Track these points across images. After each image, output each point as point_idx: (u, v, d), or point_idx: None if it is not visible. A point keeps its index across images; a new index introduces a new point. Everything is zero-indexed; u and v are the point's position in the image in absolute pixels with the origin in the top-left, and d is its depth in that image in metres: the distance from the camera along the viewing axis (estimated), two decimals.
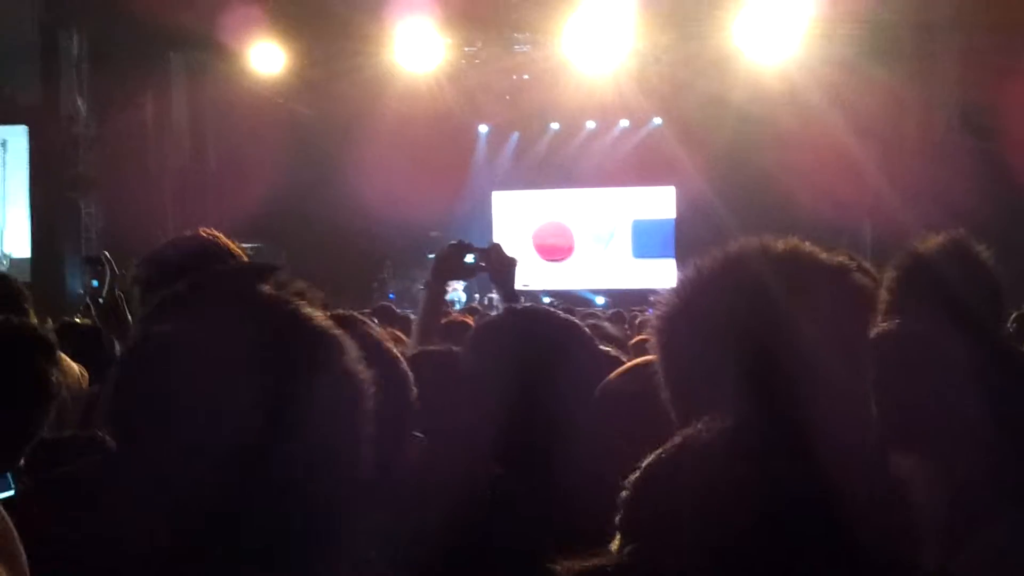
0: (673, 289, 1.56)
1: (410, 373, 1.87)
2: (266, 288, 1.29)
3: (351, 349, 1.29)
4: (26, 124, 15.70)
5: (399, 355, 1.86)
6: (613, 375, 2.23)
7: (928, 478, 1.83)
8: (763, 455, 1.08)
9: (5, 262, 15.35)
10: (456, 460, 2.38)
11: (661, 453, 1.13)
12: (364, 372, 1.29)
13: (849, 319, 1.47)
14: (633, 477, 1.13)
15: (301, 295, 1.30)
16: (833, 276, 1.48)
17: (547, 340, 2.34)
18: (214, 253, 2.64)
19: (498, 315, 2.60)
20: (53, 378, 2.30)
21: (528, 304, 2.65)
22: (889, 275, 2.44)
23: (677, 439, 1.14)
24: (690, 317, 1.50)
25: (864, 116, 14.57)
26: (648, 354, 2.25)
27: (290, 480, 1.19)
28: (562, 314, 2.53)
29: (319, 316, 1.29)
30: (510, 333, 2.41)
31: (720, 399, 1.36)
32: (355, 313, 2.13)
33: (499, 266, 3.82)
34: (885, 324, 2.18)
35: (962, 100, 14.56)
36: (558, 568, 1.10)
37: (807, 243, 1.52)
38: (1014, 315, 6.03)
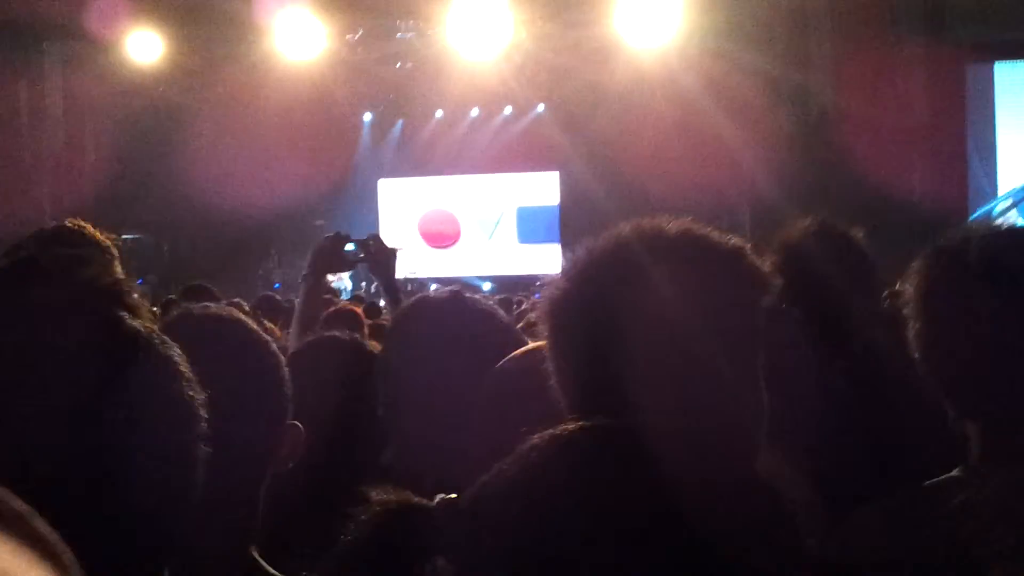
0: (562, 272, 1.53)
1: (282, 362, 1.86)
2: (83, 282, 1.23)
3: (172, 349, 1.24)
4: None
5: (270, 344, 1.84)
6: (508, 358, 2.20)
7: (791, 472, 1.88)
8: (623, 458, 1.04)
9: None
10: (341, 449, 2.39)
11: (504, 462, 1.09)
12: (187, 372, 1.24)
13: (742, 303, 1.45)
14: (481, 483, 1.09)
15: (118, 289, 1.24)
16: (727, 258, 1.46)
17: (452, 322, 2.34)
18: (78, 244, 2.62)
19: (412, 303, 2.59)
20: None
21: (448, 289, 2.66)
22: (768, 259, 2.48)
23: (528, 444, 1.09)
24: (577, 301, 1.47)
25: (741, 104, 14.84)
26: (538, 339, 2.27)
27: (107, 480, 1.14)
28: (480, 301, 2.53)
29: (138, 316, 1.23)
30: (425, 320, 2.41)
31: (603, 387, 1.35)
32: (217, 305, 2.09)
33: (378, 257, 3.83)
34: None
35: (836, 84, 14.93)
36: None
37: (700, 225, 1.50)
38: (887, 292, 6.24)
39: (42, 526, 0.58)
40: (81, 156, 16.33)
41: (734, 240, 1.49)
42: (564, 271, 1.53)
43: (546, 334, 1.52)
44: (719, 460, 1.28)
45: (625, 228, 1.50)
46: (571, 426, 1.08)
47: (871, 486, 1.89)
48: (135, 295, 1.23)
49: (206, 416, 1.23)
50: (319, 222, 17.31)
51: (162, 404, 1.19)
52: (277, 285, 16.11)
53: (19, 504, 0.58)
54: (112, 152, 15.64)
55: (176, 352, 1.23)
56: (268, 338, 1.83)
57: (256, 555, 1.69)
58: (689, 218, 1.51)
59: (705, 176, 14.12)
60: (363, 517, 1.13)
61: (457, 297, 2.46)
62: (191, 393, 1.22)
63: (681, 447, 1.07)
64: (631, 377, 1.35)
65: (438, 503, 1.10)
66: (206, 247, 15.04)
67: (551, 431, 1.08)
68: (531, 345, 2.22)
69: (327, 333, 2.93)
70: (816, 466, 2.03)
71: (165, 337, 1.23)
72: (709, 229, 1.49)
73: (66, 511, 1.07)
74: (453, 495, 1.10)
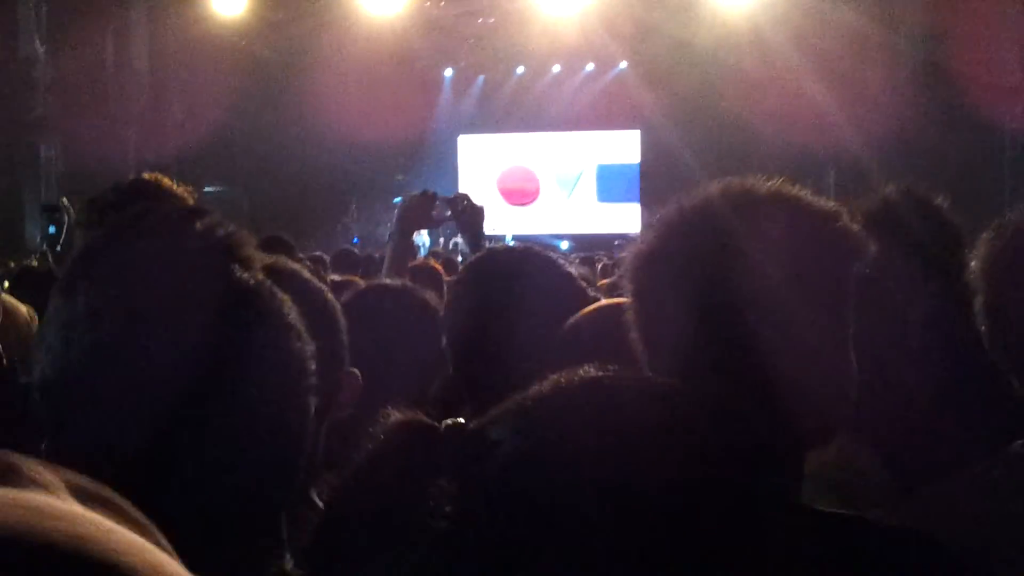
0: (650, 228, 1.51)
1: (338, 310, 1.86)
2: (197, 235, 1.22)
3: (284, 302, 1.25)
4: None
5: (326, 293, 1.84)
6: (581, 313, 2.23)
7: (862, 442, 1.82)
8: (693, 407, 1.02)
9: None
10: (399, 395, 2.39)
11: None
12: (298, 324, 1.25)
13: (833, 267, 1.43)
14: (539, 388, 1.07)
15: (231, 242, 1.24)
16: (820, 221, 1.43)
17: (520, 275, 2.32)
18: (154, 195, 2.62)
19: (477, 257, 2.58)
20: None
21: (509, 245, 2.64)
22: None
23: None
24: (665, 258, 1.45)
25: (829, 60, 14.57)
26: (618, 297, 2.25)
27: (223, 436, 1.15)
28: (540, 251, 2.51)
29: (250, 268, 1.23)
30: (482, 271, 2.40)
31: (685, 343, 1.33)
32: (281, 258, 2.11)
33: (467, 215, 3.82)
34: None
35: (925, 41, 14.57)
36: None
37: (790, 186, 1.47)
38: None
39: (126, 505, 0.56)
40: (165, 109, 16.52)
41: (828, 202, 1.45)
42: (651, 228, 1.51)
43: (630, 289, 1.51)
44: (802, 424, 1.30)
45: (715, 187, 1.48)
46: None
47: (944, 461, 1.83)
48: (248, 247, 1.22)
49: (314, 367, 1.24)
50: (399, 177, 17.39)
51: (273, 356, 1.19)
52: (356, 239, 16.21)
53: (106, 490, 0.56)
54: (195, 105, 15.77)
55: (287, 304, 1.23)
56: (323, 287, 1.84)
57: (315, 497, 1.71)
58: (780, 179, 1.49)
59: (790, 135, 13.89)
60: (379, 432, 1.14)
61: (525, 251, 2.43)
62: (300, 345, 1.23)
63: (761, 411, 1.04)
64: (716, 336, 1.35)
65: (445, 427, 1.08)
66: (286, 201, 15.15)
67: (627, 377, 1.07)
68: (604, 302, 2.22)
69: (376, 281, 2.92)
70: (890, 438, 2.00)
71: (275, 289, 1.23)
72: (801, 190, 1.45)
73: (181, 464, 1.12)
74: (460, 420, 1.08)
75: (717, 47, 15.56)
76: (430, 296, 2.69)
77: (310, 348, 1.25)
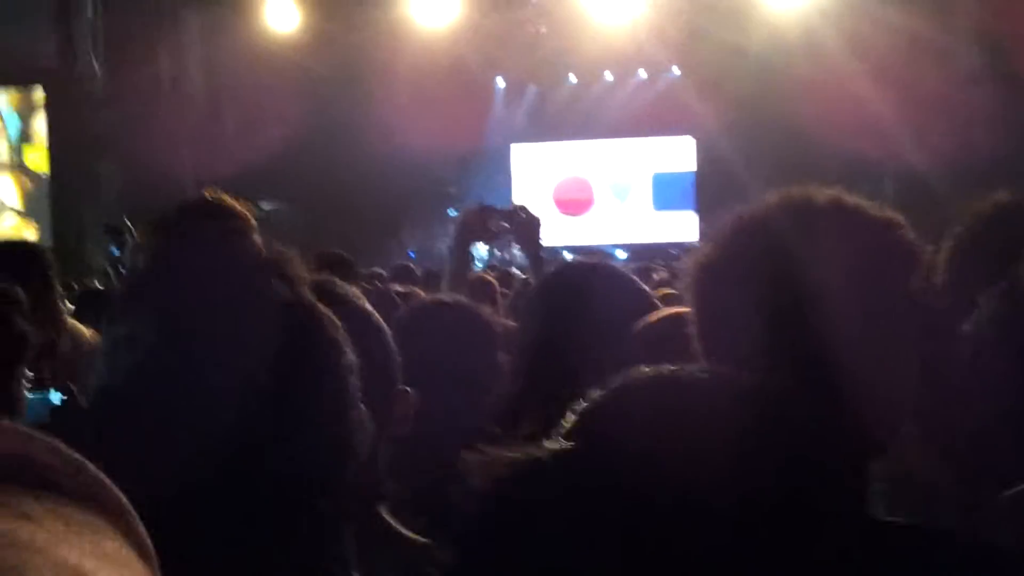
0: (712, 236, 1.52)
1: (385, 328, 1.89)
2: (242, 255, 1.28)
3: (327, 318, 1.29)
4: (41, 84, 15.67)
5: (371, 312, 1.86)
6: (647, 320, 2.22)
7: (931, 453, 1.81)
8: (769, 405, 1.00)
9: None
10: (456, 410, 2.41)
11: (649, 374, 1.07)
12: (341, 340, 1.29)
13: (894, 277, 1.43)
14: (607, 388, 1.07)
15: (278, 260, 1.27)
16: (880, 231, 1.44)
17: (592, 289, 2.34)
18: (219, 216, 2.62)
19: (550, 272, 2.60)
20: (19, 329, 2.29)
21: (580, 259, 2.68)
22: (947, 243, 2.36)
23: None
24: (727, 266, 1.46)
25: (884, 63, 14.41)
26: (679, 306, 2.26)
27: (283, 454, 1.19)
28: (611, 265, 2.53)
29: (296, 286, 1.27)
30: (555, 285, 2.41)
31: (750, 352, 1.33)
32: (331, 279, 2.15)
33: (525, 227, 3.80)
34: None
35: (982, 43, 14.38)
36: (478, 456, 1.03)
37: (850, 195, 1.48)
38: None
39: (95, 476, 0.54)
40: (221, 125, 16.69)
41: (887, 212, 1.48)
42: (712, 236, 1.54)
43: (691, 299, 1.53)
44: (866, 432, 1.31)
45: (774, 196, 1.50)
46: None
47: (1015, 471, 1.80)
48: (294, 265, 1.27)
49: (359, 383, 1.29)
50: (451, 189, 17.40)
51: (316, 369, 1.23)
52: (412, 253, 16.25)
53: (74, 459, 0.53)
54: (250, 121, 15.91)
55: (329, 319, 1.28)
56: (367, 305, 1.87)
57: (385, 514, 1.74)
58: (838, 187, 1.51)
59: (846, 141, 13.74)
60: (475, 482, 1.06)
61: (599, 265, 2.44)
62: (343, 359, 1.27)
63: (825, 414, 1.03)
64: (778, 344, 1.35)
65: (551, 454, 1.00)
66: (342, 215, 15.23)
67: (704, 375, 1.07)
68: (667, 310, 2.26)
69: (432, 296, 2.94)
70: (959, 449, 2.00)
71: (318, 305, 1.28)
72: (860, 199, 1.48)
73: (233, 475, 1.15)
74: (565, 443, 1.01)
75: (770, 52, 15.45)
76: (485, 310, 2.70)
77: (353, 362, 1.28)
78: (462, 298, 2.86)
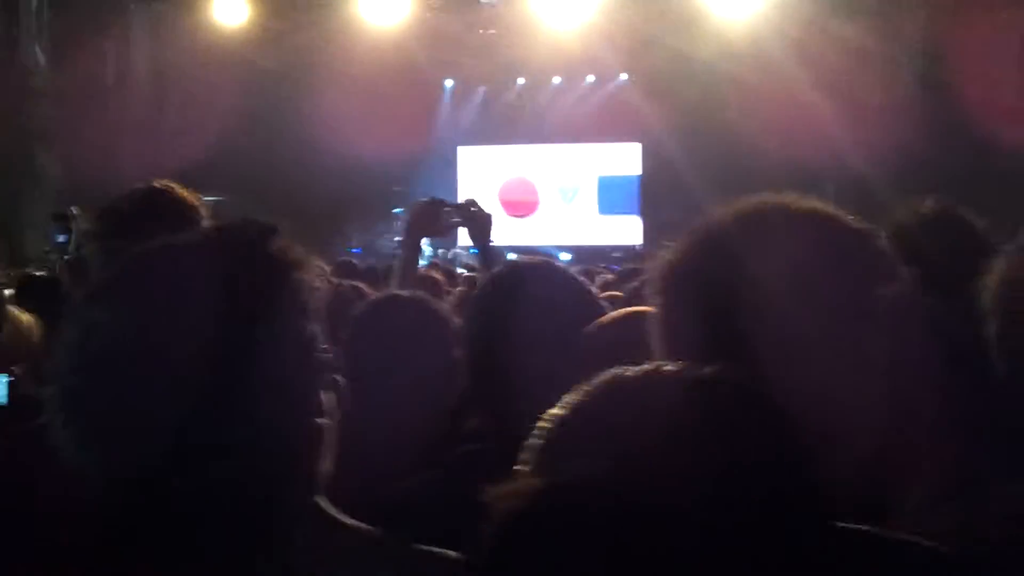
0: (681, 241, 1.50)
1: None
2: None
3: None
4: None
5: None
6: (598, 322, 2.23)
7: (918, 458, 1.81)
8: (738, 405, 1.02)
9: None
10: (405, 408, 2.40)
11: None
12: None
13: (871, 285, 1.42)
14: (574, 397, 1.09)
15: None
16: (858, 240, 1.44)
17: (538, 287, 2.33)
18: (168, 204, 2.61)
19: (503, 270, 2.59)
20: None
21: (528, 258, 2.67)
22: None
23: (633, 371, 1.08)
24: (692, 272, 1.45)
25: (828, 73, 14.58)
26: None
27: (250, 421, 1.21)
28: (558, 264, 2.54)
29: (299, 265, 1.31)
30: (503, 284, 2.41)
31: (715, 355, 1.28)
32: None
33: (476, 222, 3.80)
34: None
35: (924, 54, 14.60)
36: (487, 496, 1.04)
37: (829, 204, 1.47)
38: None
39: None
40: (165, 118, 16.52)
41: (862, 222, 1.47)
42: (678, 242, 1.51)
43: (659, 298, 1.51)
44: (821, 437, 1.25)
45: (750, 203, 1.49)
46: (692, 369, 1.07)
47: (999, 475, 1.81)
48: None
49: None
50: (397, 188, 17.33)
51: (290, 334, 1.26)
52: (358, 250, 16.17)
53: None
54: (195, 114, 15.76)
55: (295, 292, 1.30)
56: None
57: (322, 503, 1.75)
58: (789, 193, 1.50)
59: (790, 148, 13.87)
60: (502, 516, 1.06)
61: (547, 265, 2.44)
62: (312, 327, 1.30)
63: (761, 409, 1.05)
64: (745, 349, 1.33)
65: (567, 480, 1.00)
66: (287, 211, 15.12)
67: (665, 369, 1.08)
68: (621, 311, 2.28)
69: (389, 292, 2.94)
70: (945, 453, 2.01)
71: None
72: (836, 209, 1.47)
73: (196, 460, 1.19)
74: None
75: (718, 59, 15.56)
76: (443, 307, 2.70)
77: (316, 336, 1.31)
78: (421, 294, 2.86)
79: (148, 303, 1.22)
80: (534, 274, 2.43)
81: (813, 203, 1.47)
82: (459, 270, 9.36)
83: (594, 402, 1.05)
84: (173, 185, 2.72)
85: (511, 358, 2.21)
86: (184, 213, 2.61)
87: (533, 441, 1.08)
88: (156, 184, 2.71)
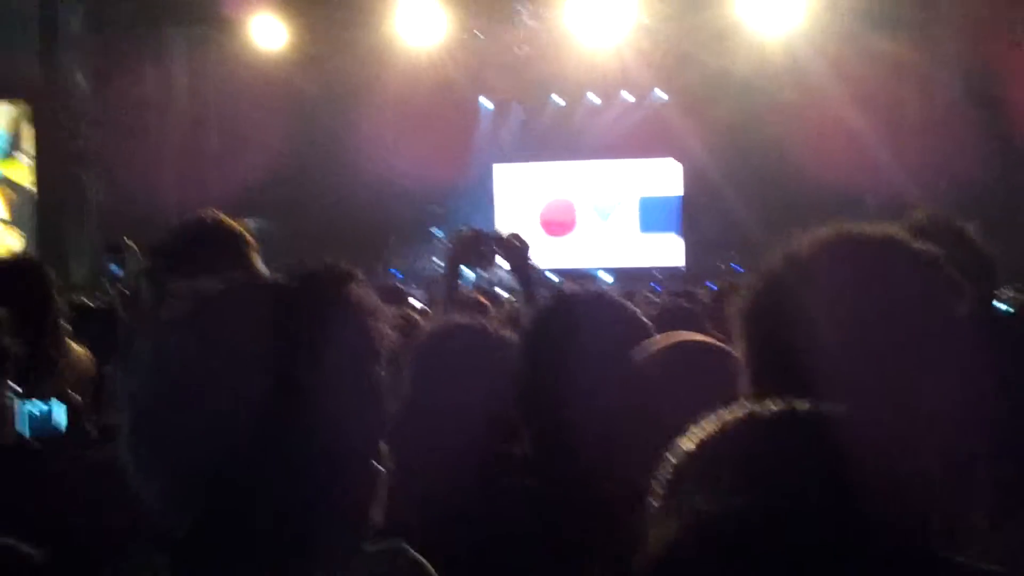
0: (762, 273, 1.53)
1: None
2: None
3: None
4: (26, 99, 15.61)
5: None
6: (646, 349, 2.24)
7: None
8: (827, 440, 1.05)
9: None
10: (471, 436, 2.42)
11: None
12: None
13: (940, 311, 1.45)
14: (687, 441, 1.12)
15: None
16: (927, 267, 1.47)
17: (593, 321, 2.35)
18: (217, 236, 2.65)
19: (546, 303, 2.61)
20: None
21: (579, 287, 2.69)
22: None
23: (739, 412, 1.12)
24: (781, 306, 1.47)
25: (867, 88, 14.50)
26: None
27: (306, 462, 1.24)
28: (612, 295, 2.56)
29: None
30: (556, 315, 2.43)
31: (800, 384, 1.32)
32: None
33: (515, 254, 3.89)
34: None
35: (965, 70, 14.48)
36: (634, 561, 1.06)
37: (899, 231, 1.52)
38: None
39: None
40: (204, 140, 16.66)
41: (931, 249, 1.51)
42: (764, 273, 1.55)
43: (740, 333, 1.54)
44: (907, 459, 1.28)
45: (826, 233, 1.52)
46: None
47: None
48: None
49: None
50: (436, 208, 17.37)
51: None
52: (395, 272, 16.21)
53: None
54: (235, 138, 15.89)
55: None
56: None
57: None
58: (889, 224, 1.55)
59: (829, 165, 13.80)
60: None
61: (600, 295, 2.46)
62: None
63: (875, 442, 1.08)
64: (828, 376, 1.36)
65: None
66: (327, 234, 15.21)
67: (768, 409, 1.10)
68: (668, 340, 2.28)
69: (453, 319, 2.97)
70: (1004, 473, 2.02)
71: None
72: (907, 236, 1.52)
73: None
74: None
75: (754, 75, 15.50)
76: (506, 334, 2.72)
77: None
78: (483, 321, 2.89)
79: (224, 341, 1.25)
80: (584, 307, 2.44)
81: (884, 229, 1.51)
82: (500, 292, 9.37)
83: (728, 438, 1.09)
84: (220, 215, 2.75)
85: (561, 392, 2.22)
86: (233, 244, 2.66)
87: (662, 474, 1.11)
88: (204, 215, 2.75)
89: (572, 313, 2.43)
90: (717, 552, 0.97)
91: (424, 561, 1.73)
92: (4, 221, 15.59)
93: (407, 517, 1.84)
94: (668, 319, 4.05)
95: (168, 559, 1.27)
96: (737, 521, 0.98)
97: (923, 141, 13.95)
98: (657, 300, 6.73)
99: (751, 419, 1.10)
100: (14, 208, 15.58)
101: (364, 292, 1.34)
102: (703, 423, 1.14)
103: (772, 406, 1.12)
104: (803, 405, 1.12)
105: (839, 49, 14.35)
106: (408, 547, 1.71)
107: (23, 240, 15.16)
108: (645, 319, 2.53)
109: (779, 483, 1.00)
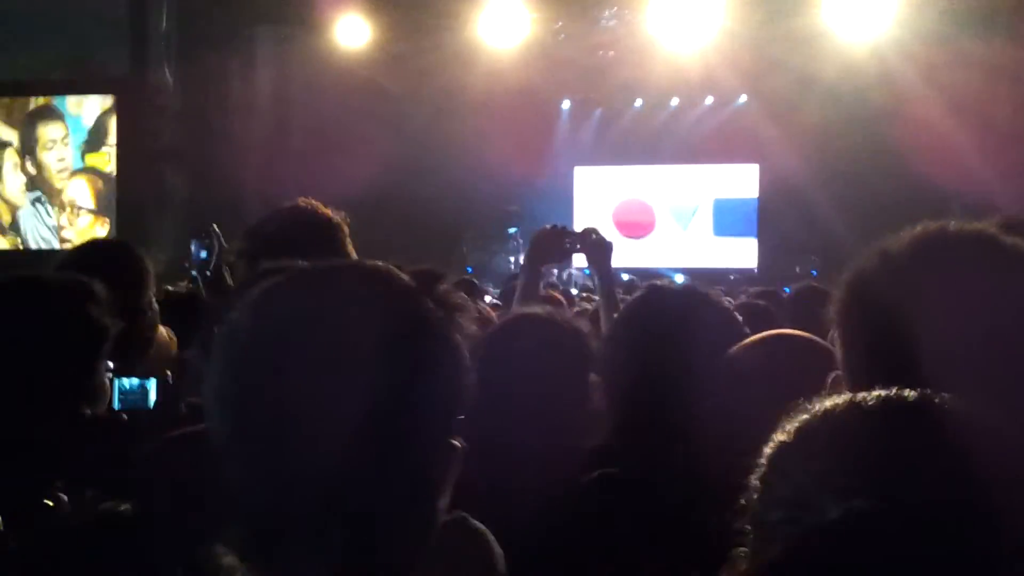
0: (857, 271, 1.54)
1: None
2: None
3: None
4: (113, 93, 15.92)
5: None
6: (742, 344, 2.25)
7: None
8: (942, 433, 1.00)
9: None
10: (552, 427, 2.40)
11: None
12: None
13: None
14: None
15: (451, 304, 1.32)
16: (1020, 257, 1.47)
17: (685, 312, 2.33)
18: (315, 224, 2.67)
19: (640, 294, 2.61)
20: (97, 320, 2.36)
21: (665, 282, 2.71)
22: None
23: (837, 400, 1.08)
24: (878, 302, 1.47)
25: (957, 91, 14.24)
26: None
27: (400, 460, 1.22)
28: (699, 288, 2.59)
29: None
30: (647, 308, 2.43)
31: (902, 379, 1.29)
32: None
33: (595, 250, 3.90)
34: None
35: None
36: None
37: (992, 227, 1.51)
38: None
39: None
40: (288, 138, 16.83)
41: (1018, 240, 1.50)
42: (860, 269, 1.55)
43: (839, 329, 1.55)
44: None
45: (920, 230, 1.53)
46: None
47: None
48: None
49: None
50: (514, 207, 17.39)
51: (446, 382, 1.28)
52: (469, 269, 16.24)
53: None
54: (317, 135, 16.04)
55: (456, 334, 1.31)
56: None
57: None
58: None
59: (916, 169, 13.57)
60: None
61: (689, 289, 2.46)
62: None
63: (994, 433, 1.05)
64: (930, 372, 1.31)
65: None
66: (405, 230, 15.29)
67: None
68: (761, 334, 2.31)
69: (525, 310, 2.96)
70: None
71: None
72: (999, 232, 1.51)
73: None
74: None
75: (841, 80, 15.30)
76: (583, 326, 2.72)
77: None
78: (559, 312, 2.87)
79: (311, 330, 1.22)
80: (676, 298, 2.43)
81: (976, 226, 1.51)
82: (574, 291, 9.34)
83: (834, 427, 1.05)
84: (316, 204, 2.76)
85: (659, 383, 2.21)
86: (328, 231, 2.69)
87: (758, 468, 1.09)
88: (300, 203, 2.79)
89: (665, 303, 2.46)
90: (846, 561, 0.91)
91: (485, 529, 1.75)
92: (92, 211, 15.93)
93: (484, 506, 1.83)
94: (747, 318, 4.01)
95: (243, 540, 1.25)
96: (863, 526, 0.93)
97: (1014, 144, 13.65)
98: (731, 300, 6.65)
99: (856, 407, 1.06)
100: (101, 198, 15.92)
101: (451, 292, 1.33)
102: (802, 411, 1.11)
103: (880, 393, 1.08)
104: (911, 393, 1.08)
105: (928, 52, 14.10)
106: (468, 516, 1.72)
107: (110, 229, 15.48)
108: (736, 316, 2.55)
109: (900, 479, 0.95)
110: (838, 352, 1.55)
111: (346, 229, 2.71)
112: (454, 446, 1.29)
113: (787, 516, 1.01)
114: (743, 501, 1.10)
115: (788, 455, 1.06)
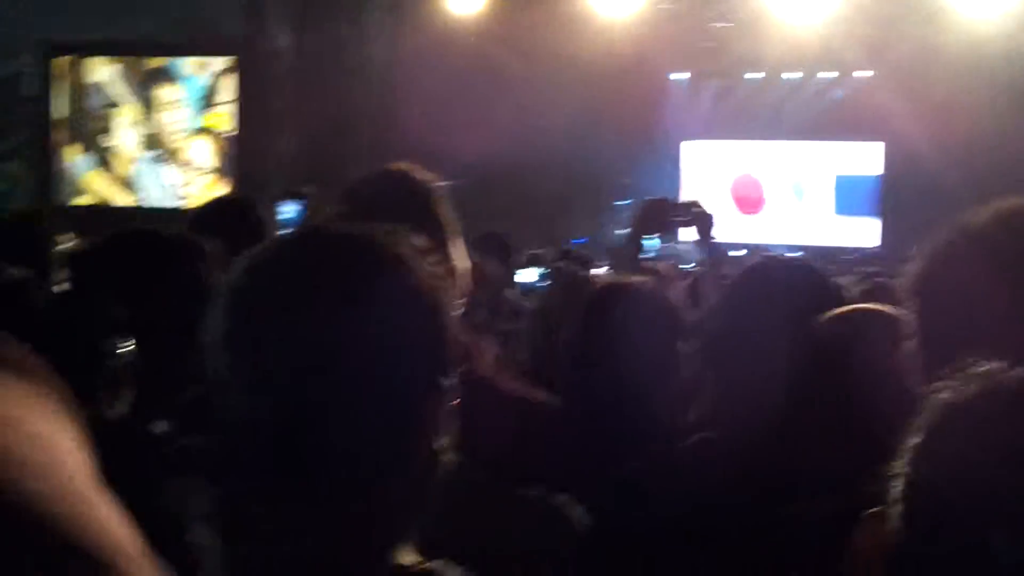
0: (935, 244, 1.55)
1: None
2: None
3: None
4: (231, 55, 16.17)
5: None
6: (827, 315, 2.23)
7: None
8: None
9: None
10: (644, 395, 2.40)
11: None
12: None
13: None
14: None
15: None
16: None
17: (794, 289, 2.41)
18: (408, 189, 2.66)
19: (753, 267, 2.68)
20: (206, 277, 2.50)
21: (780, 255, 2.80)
22: None
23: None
24: (959, 274, 1.47)
25: None
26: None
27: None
28: (811, 264, 2.69)
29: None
30: (752, 282, 2.51)
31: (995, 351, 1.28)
32: None
33: (700, 221, 3.95)
34: None
35: None
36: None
37: None
38: None
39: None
40: (400, 105, 16.91)
41: None
42: (940, 241, 1.56)
43: (914, 307, 1.56)
44: None
45: (1004, 205, 1.56)
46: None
47: None
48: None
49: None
50: (625, 180, 17.24)
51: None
52: (574, 241, 16.13)
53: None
54: (429, 101, 16.09)
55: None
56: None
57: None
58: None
59: None
60: None
61: (799, 264, 2.56)
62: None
63: None
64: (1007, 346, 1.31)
65: None
66: (513, 199, 15.29)
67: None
68: (849, 307, 2.32)
69: (619, 279, 3.08)
70: None
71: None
72: None
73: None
74: None
75: (966, 55, 14.80)
76: (672, 296, 2.83)
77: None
78: (651, 280, 3.00)
79: (280, 277, 1.35)
80: (782, 271, 2.54)
81: None
82: (680, 265, 9.20)
83: (986, 414, 1.09)
84: (410, 168, 2.77)
85: (751, 352, 2.27)
86: (422, 196, 2.68)
87: (911, 439, 1.12)
88: (393, 168, 2.77)
89: (770, 275, 2.49)
90: None
91: (566, 510, 1.93)
92: (211, 171, 16.23)
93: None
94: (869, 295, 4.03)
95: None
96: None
97: None
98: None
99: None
100: (220, 158, 16.22)
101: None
102: (937, 395, 1.13)
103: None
104: None
105: None
106: (551, 494, 1.92)
107: (232, 188, 15.76)
108: (838, 286, 2.55)
109: None
110: (914, 323, 1.56)
111: (442, 194, 2.67)
112: (438, 385, 1.34)
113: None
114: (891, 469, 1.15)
115: (938, 450, 1.11)
